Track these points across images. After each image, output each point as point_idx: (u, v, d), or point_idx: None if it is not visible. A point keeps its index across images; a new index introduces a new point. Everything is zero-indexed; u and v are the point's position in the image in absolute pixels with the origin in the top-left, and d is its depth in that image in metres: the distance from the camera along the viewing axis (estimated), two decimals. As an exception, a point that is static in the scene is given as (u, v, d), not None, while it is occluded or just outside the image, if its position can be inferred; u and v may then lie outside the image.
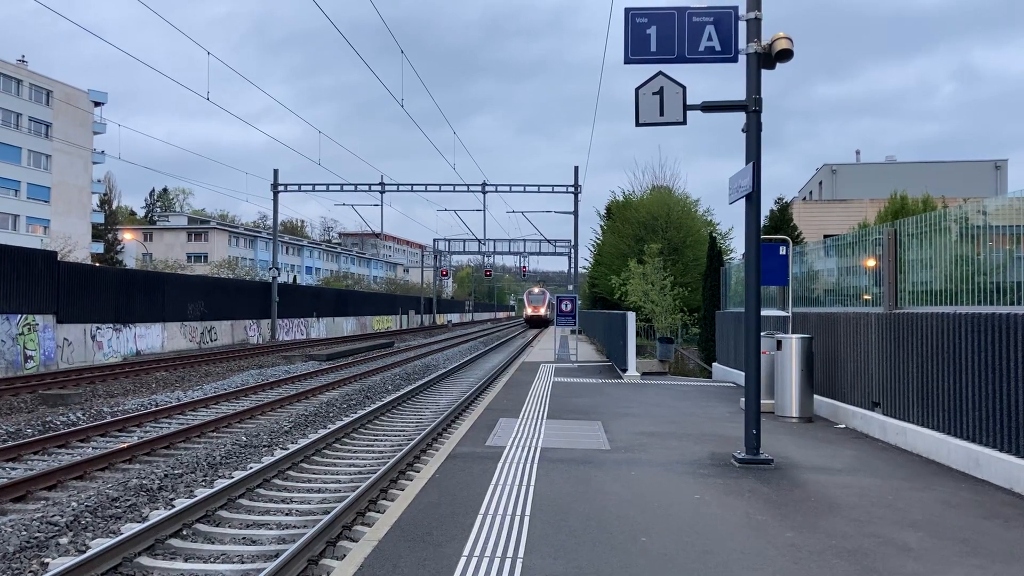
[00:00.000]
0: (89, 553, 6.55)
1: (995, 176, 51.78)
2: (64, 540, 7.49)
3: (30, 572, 6.76)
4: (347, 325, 60.60)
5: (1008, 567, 5.43)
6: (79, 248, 66.74)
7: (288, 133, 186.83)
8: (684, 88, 9.01)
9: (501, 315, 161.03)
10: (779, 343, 12.13)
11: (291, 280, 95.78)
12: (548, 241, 62.72)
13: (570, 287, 50.61)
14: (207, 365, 27.64)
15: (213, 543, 7.55)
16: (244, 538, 7.67)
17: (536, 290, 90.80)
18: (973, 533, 6.23)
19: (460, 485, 7.63)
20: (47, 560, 6.96)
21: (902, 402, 9.95)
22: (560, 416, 12.39)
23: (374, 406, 16.07)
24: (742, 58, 8.89)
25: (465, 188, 45.43)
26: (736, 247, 40.06)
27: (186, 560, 7.09)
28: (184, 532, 7.70)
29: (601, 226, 52.86)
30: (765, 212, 33.95)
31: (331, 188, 45.14)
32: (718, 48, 8.90)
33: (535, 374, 20.35)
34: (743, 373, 9.38)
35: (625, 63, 9.03)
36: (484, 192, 45.45)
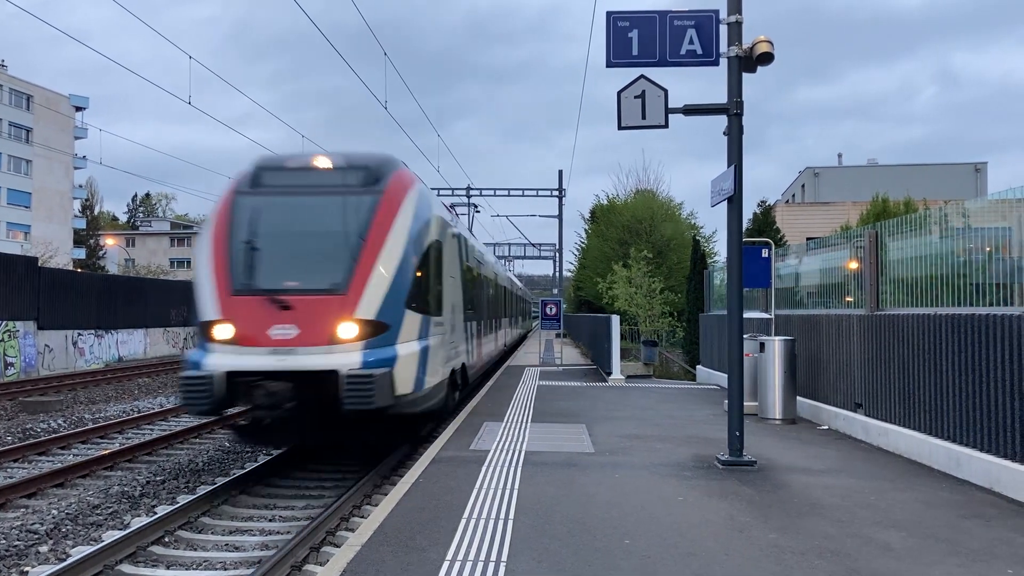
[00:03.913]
0: (69, 561, 6.49)
1: (975, 179, 52.23)
2: (44, 548, 7.42)
3: (9, 581, 6.66)
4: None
5: (988, 566, 5.48)
6: (60, 254, 66.21)
7: (272, 137, 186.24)
8: (666, 91, 9.05)
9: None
10: (762, 345, 12.18)
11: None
12: (533, 245, 62.71)
13: (555, 291, 50.64)
14: (190, 371, 27.42)
15: (196, 550, 7.49)
16: (227, 544, 7.62)
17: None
18: (954, 532, 6.28)
19: (444, 489, 7.61)
20: (27, 569, 6.88)
21: (884, 403, 10.02)
22: (545, 419, 12.39)
23: (358, 411, 15.96)
24: (723, 61, 8.94)
25: (450, 192, 45.37)
26: (720, 250, 40.24)
27: (168, 567, 7.03)
28: (166, 539, 7.64)
29: (586, 230, 52.95)
30: (748, 215, 34.10)
31: (315, 192, 44.85)
32: (699, 51, 8.94)
33: (520, 377, 20.34)
34: (727, 375, 9.41)
35: (607, 66, 9.05)
36: (469, 196, 45.39)
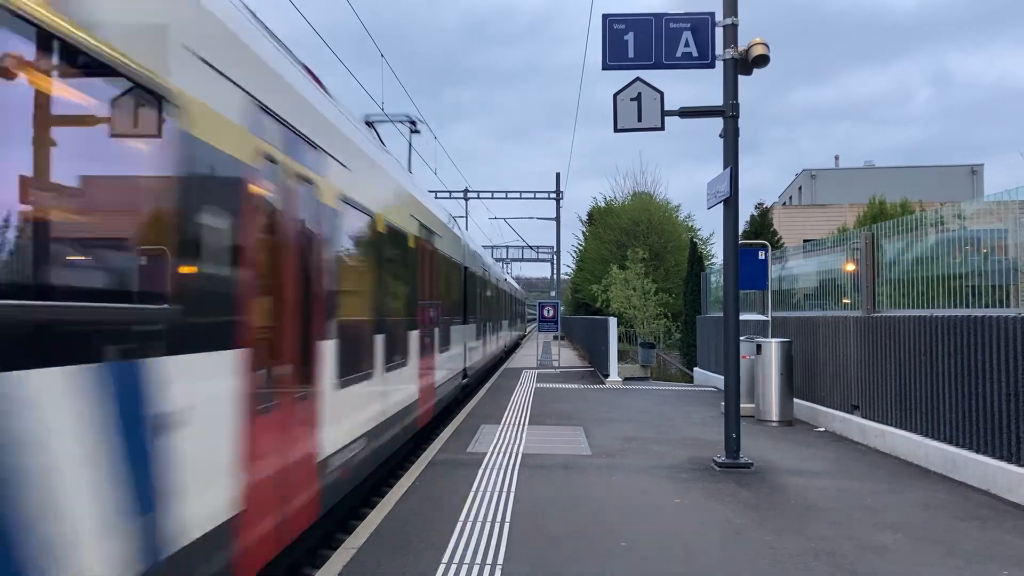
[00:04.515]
0: None
1: (971, 180, 52.35)
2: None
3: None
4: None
5: (984, 568, 5.48)
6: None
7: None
8: (662, 94, 9.06)
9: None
10: (759, 347, 12.19)
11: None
12: (531, 247, 62.77)
13: (552, 293, 50.68)
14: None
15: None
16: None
17: None
18: (950, 534, 6.28)
19: (440, 492, 7.60)
20: None
21: (881, 405, 10.02)
22: (542, 422, 12.38)
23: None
24: (719, 64, 8.95)
25: (447, 195, 45.40)
26: (717, 252, 40.29)
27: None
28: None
29: (583, 232, 53.06)
30: (745, 217, 34.17)
31: (312, 195, 44.78)
32: (695, 54, 8.95)
33: (517, 380, 20.33)
34: (724, 377, 9.41)
35: (603, 69, 9.07)
36: (466, 198, 45.39)
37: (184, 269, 3.94)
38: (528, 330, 60.85)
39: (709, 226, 70.01)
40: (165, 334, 3.71)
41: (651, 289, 33.76)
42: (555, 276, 51.61)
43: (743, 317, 11.24)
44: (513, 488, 7.73)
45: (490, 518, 6.64)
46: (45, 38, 2.90)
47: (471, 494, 7.48)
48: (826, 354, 11.82)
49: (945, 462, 8.44)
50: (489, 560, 5.55)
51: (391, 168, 9.77)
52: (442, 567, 5.42)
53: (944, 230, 9.49)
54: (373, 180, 8.32)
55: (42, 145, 2.98)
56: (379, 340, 8.21)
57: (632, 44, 8.97)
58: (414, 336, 10.30)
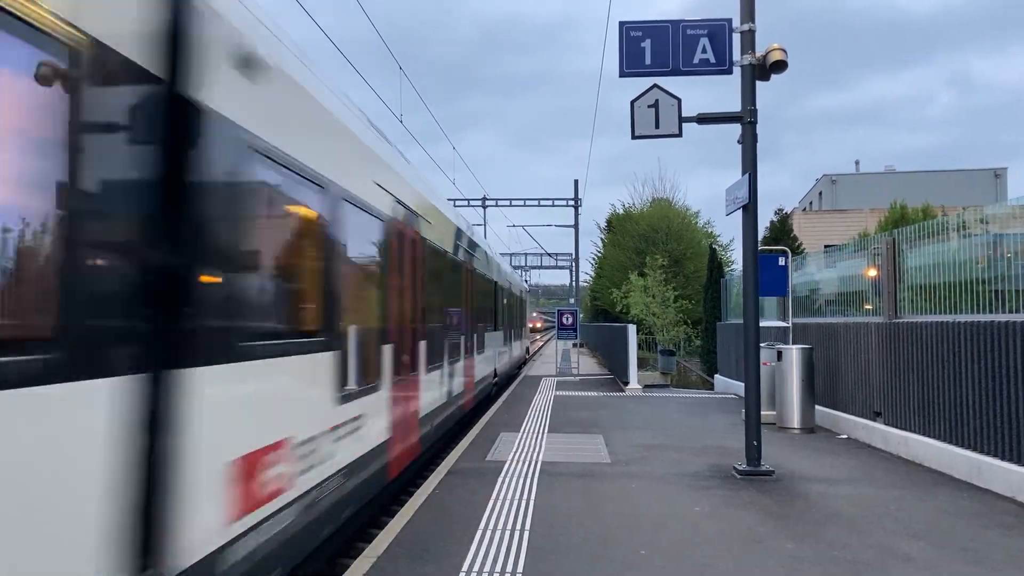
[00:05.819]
0: None
1: (995, 184, 51.81)
2: None
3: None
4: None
5: (1010, 576, 5.41)
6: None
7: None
8: (679, 100, 9.06)
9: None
10: (780, 354, 12.11)
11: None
12: (549, 255, 62.76)
13: (571, 300, 50.58)
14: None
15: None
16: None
17: None
18: (974, 542, 6.20)
19: (460, 500, 7.61)
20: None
21: (903, 411, 9.93)
22: (561, 430, 12.36)
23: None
24: (737, 70, 8.94)
25: (466, 203, 45.49)
26: (737, 258, 40.05)
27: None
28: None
29: (602, 239, 52.95)
30: (765, 223, 34.01)
31: (332, 204, 44.95)
32: (712, 60, 8.95)
33: (536, 388, 20.31)
34: (744, 384, 9.37)
35: (620, 76, 9.09)
36: (484, 207, 45.47)
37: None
38: (534, 349, 58.22)
39: (728, 232, 69.56)
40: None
41: (671, 296, 33.63)
42: (574, 283, 51.53)
43: (763, 324, 11.19)
44: (533, 496, 7.72)
45: (510, 526, 6.64)
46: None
47: (491, 502, 7.48)
48: (848, 360, 11.73)
49: (969, 469, 8.35)
50: (508, 568, 5.55)
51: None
52: (462, 575, 5.43)
53: (967, 234, 9.41)
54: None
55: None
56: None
57: (649, 51, 8.99)
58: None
